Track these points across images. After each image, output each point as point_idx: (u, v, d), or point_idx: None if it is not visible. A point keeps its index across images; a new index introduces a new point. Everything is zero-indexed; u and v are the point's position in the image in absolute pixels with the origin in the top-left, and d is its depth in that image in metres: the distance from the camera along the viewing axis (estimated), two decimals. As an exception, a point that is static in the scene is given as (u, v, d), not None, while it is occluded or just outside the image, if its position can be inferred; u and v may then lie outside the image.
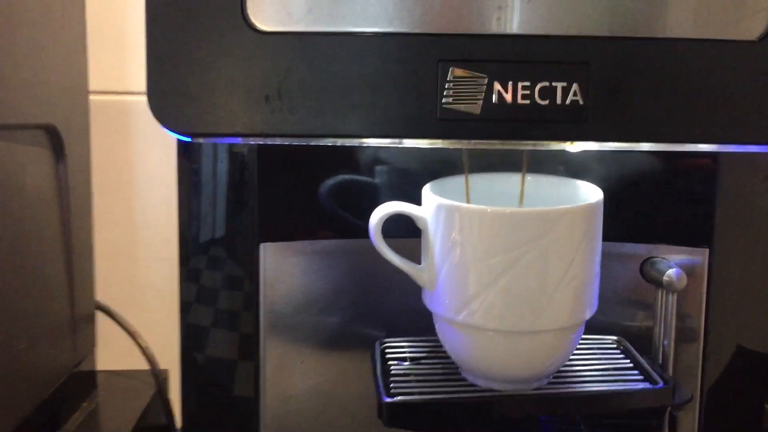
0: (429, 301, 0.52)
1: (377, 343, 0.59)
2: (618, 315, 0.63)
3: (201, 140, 0.52)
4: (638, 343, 0.61)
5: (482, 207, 0.49)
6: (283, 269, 0.60)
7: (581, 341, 0.56)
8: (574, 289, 0.49)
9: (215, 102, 0.46)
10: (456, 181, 0.55)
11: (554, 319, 0.49)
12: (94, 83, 0.68)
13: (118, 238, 0.81)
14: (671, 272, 0.57)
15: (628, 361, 0.57)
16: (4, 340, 0.52)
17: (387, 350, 0.58)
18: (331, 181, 0.61)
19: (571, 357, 0.56)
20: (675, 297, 0.58)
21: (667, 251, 0.61)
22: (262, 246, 0.59)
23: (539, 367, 0.51)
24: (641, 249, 0.61)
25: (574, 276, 0.49)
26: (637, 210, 0.61)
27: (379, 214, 0.51)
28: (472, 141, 0.48)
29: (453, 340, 0.52)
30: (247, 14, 0.46)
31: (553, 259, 0.48)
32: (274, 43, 0.46)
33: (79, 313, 0.64)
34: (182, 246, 0.61)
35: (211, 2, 0.46)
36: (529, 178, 0.56)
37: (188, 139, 0.49)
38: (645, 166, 0.61)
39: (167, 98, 0.47)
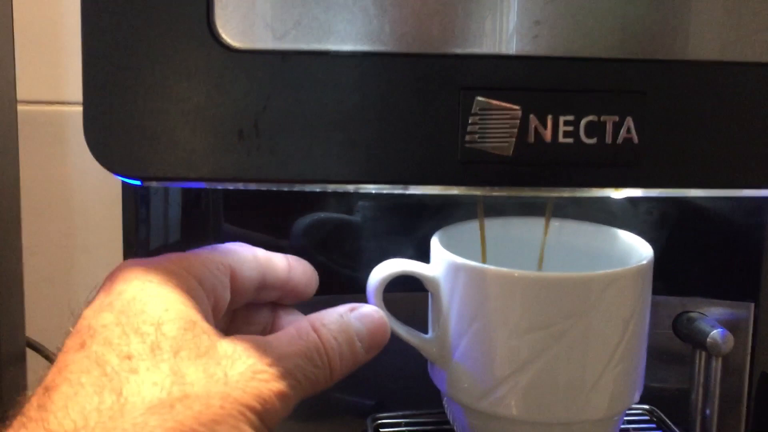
0: (440, 381, 0.42)
1: (369, 420, 0.49)
2: (646, 376, 0.54)
3: (154, 184, 0.41)
4: (669, 407, 0.52)
5: (510, 270, 0.39)
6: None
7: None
8: (623, 371, 0.40)
9: (173, 138, 0.37)
10: (468, 229, 0.46)
11: (598, 408, 0.40)
12: (23, 92, 0.61)
13: (52, 265, 0.74)
14: (716, 333, 0.49)
15: (668, 439, 0.49)
16: None
17: (381, 429, 0.48)
18: (309, 225, 0.51)
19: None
20: (720, 361, 0.50)
21: (703, 304, 0.53)
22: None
23: (576, 462, 0.42)
24: (674, 301, 0.53)
25: (624, 356, 0.39)
26: (671, 258, 0.52)
27: (379, 276, 0.41)
28: (502, 188, 0.38)
29: (471, 428, 0.42)
30: (215, 27, 0.36)
31: (600, 335, 0.39)
32: (251, 65, 0.37)
33: (7, 352, 0.57)
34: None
35: (169, 11, 0.36)
36: (556, 224, 0.47)
37: (137, 183, 0.38)
38: (680, 208, 0.52)
39: (110, 132, 0.37)
